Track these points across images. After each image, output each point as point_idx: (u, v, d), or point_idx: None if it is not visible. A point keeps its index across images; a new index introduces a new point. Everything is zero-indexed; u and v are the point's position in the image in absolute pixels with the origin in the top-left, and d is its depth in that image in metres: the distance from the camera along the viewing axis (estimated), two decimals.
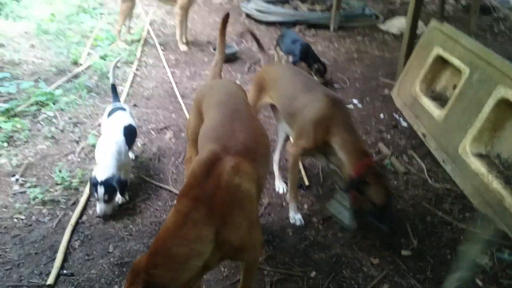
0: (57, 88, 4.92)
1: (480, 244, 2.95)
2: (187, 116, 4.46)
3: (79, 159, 3.80)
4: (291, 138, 3.48)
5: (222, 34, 3.06)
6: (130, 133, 3.47)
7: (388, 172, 3.78)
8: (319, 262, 2.81)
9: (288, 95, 3.10)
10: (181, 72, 5.73)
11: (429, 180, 3.69)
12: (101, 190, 3.00)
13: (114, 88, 3.86)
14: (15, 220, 3.10)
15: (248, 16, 8.17)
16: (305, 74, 3.32)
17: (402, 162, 3.93)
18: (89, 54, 6.03)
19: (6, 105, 4.43)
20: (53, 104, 4.60)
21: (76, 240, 2.92)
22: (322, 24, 7.68)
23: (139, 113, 4.62)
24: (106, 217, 3.12)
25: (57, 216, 3.13)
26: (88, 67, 5.57)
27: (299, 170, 3.16)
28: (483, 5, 8.96)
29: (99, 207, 3.07)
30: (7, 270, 2.68)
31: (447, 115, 4.01)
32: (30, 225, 3.06)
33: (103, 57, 5.85)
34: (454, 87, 4.23)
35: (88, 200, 3.27)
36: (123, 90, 5.04)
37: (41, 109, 4.52)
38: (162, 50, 6.36)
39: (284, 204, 3.37)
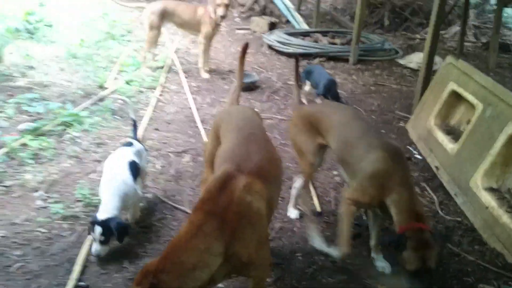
0: (83, 110, 5.13)
1: None
2: (206, 141, 4.61)
3: (100, 178, 3.95)
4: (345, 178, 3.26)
5: (241, 63, 3.22)
6: (134, 169, 3.33)
7: None
8: (327, 287, 2.87)
9: (344, 140, 2.95)
10: (202, 99, 5.92)
11: (440, 212, 3.74)
12: (98, 230, 2.87)
13: (135, 124, 3.82)
14: (37, 233, 3.24)
15: (269, 47, 8.40)
16: (362, 118, 3.15)
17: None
18: (115, 78, 6.27)
19: (34, 124, 4.64)
20: (79, 125, 4.79)
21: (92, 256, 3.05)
22: (341, 57, 7.85)
23: (159, 136, 4.80)
24: (100, 257, 2.98)
25: (77, 231, 3.26)
26: (113, 91, 5.80)
27: (349, 222, 2.84)
28: (502, 43, 9.05)
29: (94, 248, 2.93)
30: (27, 279, 2.81)
31: (460, 149, 4.08)
32: (51, 238, 3.19)
33: (128, 82, 6.09)
34: (468, 122, 4.31)
35: None
36: (146, 114, 5.23)
37: (66, 129, 4.72)
38: (185, 77, 6.58)
39: (295, 229, 3.45)
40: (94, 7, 9.13)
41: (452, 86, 4.58)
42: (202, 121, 5.17)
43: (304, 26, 9.89)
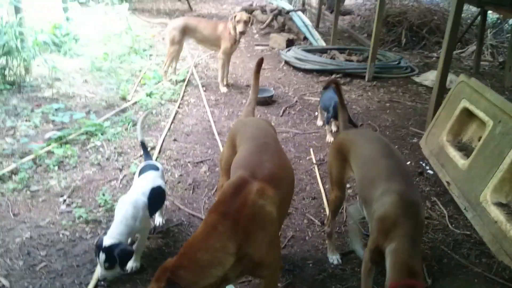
0: (105, 120, 5.35)
1: None
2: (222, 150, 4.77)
3: (121, 185, 4.13)
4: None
5: (256, 77, 3.39)
6: (158, 196, 3.28)
7: None
8: None
9: (367, 177, 2.74)
10: (220, 112, 6.10)
11: (450, 226, 3.82)
12: (102, 256, 2.82)
13: (143, 145, 3.76)
14: (61, 235, 3.42)
15: (287, 63, 8.58)
16: (393, 155, 2.79)
17: (425, 208, 4.08)
18: (136, 91, 6.50)
19: (59, 133, 4.87)
20: (101, 134, 5.00)
21: None
22: (357, 74, 7.98)
23: (178, 147, 4.97)
24: (108, 282, 2.96)
25: (98, 234, 3.43)
26: (135, 103, 6.02)
27: (366, 283, 2.61)
28: None
29: (100, 272, 2.90)
30: (51, 278, 2.98)
31: (471, 165, 4.16)
32: (74, 240, 3.37)
33: (149, 95, 6.31)
34: (479, 138, 4.38)
35: None
36: (166, 125, 5.43)
37: (90, 138, 4.93)
38: (204, 90, 6.78)
39: (307, 238, 3.57)
40: (118, 22, 9.43)
41: (464, 103, 4.67)
42: (220, 133, 5.33)
43: (322, 43, 10.06)
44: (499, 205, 3.68)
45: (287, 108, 6.38)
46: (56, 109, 5.55)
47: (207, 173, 4.47)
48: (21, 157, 4.40)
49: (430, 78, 7.73)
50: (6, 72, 6.25)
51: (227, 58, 6.84)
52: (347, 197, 4.23)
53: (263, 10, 12.47)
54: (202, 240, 2.02)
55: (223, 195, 2.17)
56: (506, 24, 10.91)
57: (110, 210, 3.69)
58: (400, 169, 2.66)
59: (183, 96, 6.50)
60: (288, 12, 11.91)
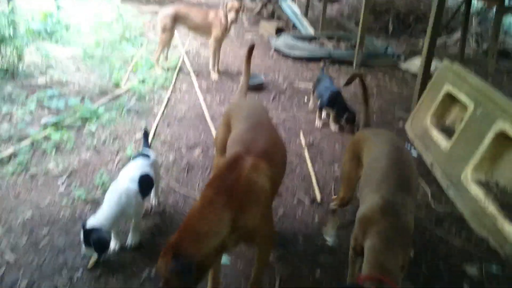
0: (100, 106, 5.46)
1: None
2: (215, 137, 4.91)
3: (117, 168, 4.27)
4: None
5: (247, 62, 3.55)
6: (146, 183, 3.30)
7: None
8: (325, 265, 3.17)
9: (366, 178, 2.75)
10: (212, 98, 6.23)
11: (432, 204, 4.02)
12: (81, 236, 2.91)
13: (146, 134, 3.82)
14: (61, 214, 3.55)
15: (276, 50, 8.72)
16: (400, 158, 2.72)
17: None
18: (129, 78, 6.61)
19: (55, 119, 4.98)
20: (96, 120, 5.12)
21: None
22: (345, 61, 8.15)
23: (171, 131, 5.11)
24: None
25: None
26: (128, 90, 6.13)
27: (352, 270, 2.72)
28: (503, 49, 9.33)
29: (83, 249, 2.98)
30: (54, 253, 3.12)
31: (453, 146, 4.36)
32: (74, 219, 3.50)
33: (141, 81, 6.42)
34: (461, 121, 4.59)
35: None
36: (159, 111, 5.56)
37: (85, 123, 5.05)
38: (196, 77, 6.90)
39: (297, 215, 3.75)
40: (108, 11, 9.49)
41: (448, 87, 4.87)
42: (212, 119, 5.48)
43: (310, 31, 10.20)
44: (479, 183, 3.88)
45: (278, 94, 6.53)
46: (50, 96, 5.64)
47: (201, 156, 4.62)
48: (19, 142, 4.51)
49: (416, 64, 7.91)
50: None
51: (218, 45, 6.96)
52: (335, 177, 4.42)
53: None
54: (200, 213, 2.18)
55: (219, 171, 2.33)
56: (490, 13, 11.11)
57: None
58: (398, 173, 2.57)
59: (175, 83, 6.62)
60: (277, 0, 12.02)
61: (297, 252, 3.30)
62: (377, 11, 10.99)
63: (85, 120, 5.11)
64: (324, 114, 5.66)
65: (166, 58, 7.40)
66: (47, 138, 4.63)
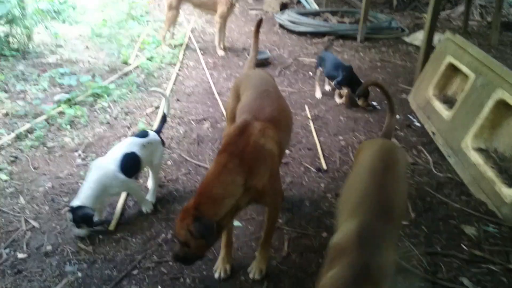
0: (110, 83, 5.62)
1: None
2: (223, 110, 5.07)
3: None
4: None
5: (255, 36, 3.69)
6: (130, 162, 3.27)
7: None
8: (330, 226, 3.35)
9: (348, 191, 2.40)
10: (218, 74, 6.37)
11: (434, 170, 4.18)
12: (69, 215, 3.05)
13: (164, 118, 3.77)
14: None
15: (281, 26, 8.80)
16: (391, 174, 2.33)
17: (412, 155, 4.43)
18: (137, 55, 6.75)
19: (67, 95, 5.15)
20: (107, 96, 5.29)
21: (130, 201, 3.56)
22: (349, 35, 8.24)
23: (181, 106, 5.27)
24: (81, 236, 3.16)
25: None
26: (137, 67, 6.28)
27: None
28: (507, 22, 9.36)
29: (73, 231, 3.15)
30: None
31: (454, 116, 4.49)
32: None
33: (149, 59, 6.56)
34: (463, 91, 4.71)
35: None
36: (167, 87, 5.71)
37: (97, 100, 5.22)
38: (202, 54, 7.03)
39: (304, 182, 3.93)
40: None
41: (450, 59, 4.97)
42: (219, 93, 5.62)
43: (315, 6, 10.25)
44: (479, 150, 4.04)
45: (283, 69, 6.66)
46: (62, 74, 5.81)
47: (210, 129, 4.79)
48: (34, 118, 4.69)
49: (419, 38, 7.99)
50: (10, 40, 6.46)
51: (223, 22, 7.07)
52: (339, 147, 4.58)
53: None
54: (215, 177, 2.34)
55: (230, 137, 2.50)
56: None
57: None
58: (380, 196, 2.15)
59: (182, 60, 6.75)
60: None
61: (304, 215, 3.49)
62: None
63: (97, 96, 5.27)
64: (328, 87, 5.78)
65: (173, 35, 7.51)
66: (61, 114, 4.80)
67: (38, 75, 5.74)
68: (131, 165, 3.28)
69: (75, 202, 3.04)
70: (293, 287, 2.82)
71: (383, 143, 2.65)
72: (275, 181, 2.59)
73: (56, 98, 5.15)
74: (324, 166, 4.17)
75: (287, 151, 4.36)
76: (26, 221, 3.30)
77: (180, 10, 7.38)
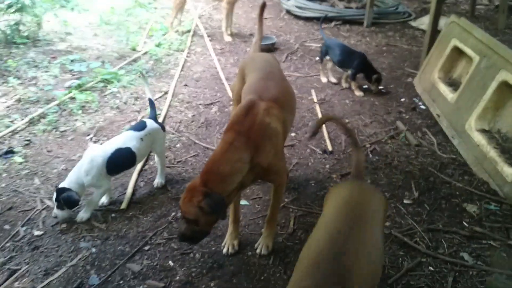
0: (119, 69, 5.73)
1: None
2: (230, 95, 5.16)
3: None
4: None
5: (260, 20, 3.77)
6: (121, 158, 3.24)
7: (402, 144, 4.37)
8: None
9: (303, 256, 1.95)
10: (226, 60, 6.45)
11: (437, 151, 4.25)
12: (54, 195, 3.10)
13: (151, 102, 3.72)
14: None
15: (288, 12, 8.84)
16: (357, 229, 1.94)
17: (416, 137, 4.50)
18: (145, 42, 6.84)
19: (78, 81, 5.27)
20: (117, 82, 5.39)
21: (141, 181, 3.68)
22: (356, 20, 8.26)
23: (189, 91, 5.37)
24: (61, 221, 3.20)
25: None
26: (145, 53, 6.38)
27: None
28: None
29: (53, 211, 3.17)
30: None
31: (458, 98, 4.55)
32: None
33: (157, 45, 6.65)
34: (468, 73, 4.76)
35: (150, 153, 3.98)
36: (176, 73, 5.80)
37: (107, 85, 5.33)
38: (209, 40, 7.10)
39: (309, 164, 4.02)
40: None
41: (455, 42, 5.01)
42: (227, 79, 5.71)
43: None
44: (482, 131, 4.10)
45: (289, 55, 6.72)
46: (72, 60, 5.92)
47: (217, 113, 4.88)
48: (46, 103, 4.81)
49: (426, 22, 7.94)
50: (21, 28, 6.58)
51: (231, 7, 7.12)
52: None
53: None
54: (222, 155, 2.44)
55: (236, 116, 2.59)
56: None
57: None
58: (341, 258, 1.77)
59: (190, 46, 6.84)
60: None
61: (310, 195, 3.59)
62: None
63: (106, 82, 5.38)
64: (334, 80, 5.76)
65: (180, 22, 7.59)
66: (72, 99, 4.92)
67: (49, 62, 5.85)
68: (121, 161, 3.26)
69: (63, 184, 3.11)
70: None
71: (352, 189, 2.25)
72: (279, 159, 2.69)
73: (67, 84, 5.27)
74: (330, 148, 4.25)
75: (293, 134, 4.46)
76: (41, 201, 3.43)
77: None
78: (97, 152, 3.18)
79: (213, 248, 3.02)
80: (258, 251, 2.97)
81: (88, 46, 6.61)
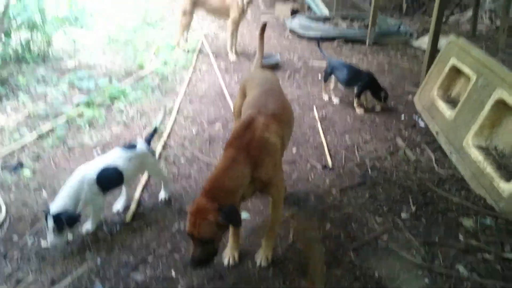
0: (126, 86, 5.88)
1: None
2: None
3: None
4: None
5: (261, 38, 3.92)
6: (109, 177, 3.21)
7: (401, 160, 4.47)
8: (334, 219, 3.53)
9: None
10: (230, 78, 6.60)
11: (436, 167, 4.34)
12: (50, 222, 2.92)
13: (155, 131, 3.79)
14: None
15: (291, 31, 9.02)
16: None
17: (415, 153, 4.60)
18: (152, 60, 7.01)
19: (86, 97, 5.42)
20: (124, 98, 5.54)
21: (145, 194, 3.78)
22: (358, 40, 8.42)
23: (194, 108, 5.51)
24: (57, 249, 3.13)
25: None
26: (152, 71, 6.54)
27: None
28: None
29: (49, 239, 3.00)
30: None
31: (457, 115, 4.65)
32: None
33: (164, 63, 6.81)
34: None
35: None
36: (181, 90, 5.95)
37: (114, 102, 5.47)
38: (214, 58, 7.27)
39: (309, 179, 4.12)
40: None
41: (453, 61, 5.14)
42: (231, 96, 5.84)
43: (325, 12, 10.44)
44: (479, 148, 4.19)
45: (293, 73, 6.87)
46: (80, 77, 6.08)
47: (221, 130, 5.00)
48: (55, 119, 4.95)
49: (427, 42, 8.13)
50: (31, 45, 6.76)
51: (235, 27, 7.30)
52: (345, 146, 4.75)
53: None
54: (225, 171, 2.52)
55: (236, 132, 2.70)
56: None
57: None
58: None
59: (195, 64, 7.00)
60: None
61: (309, 209, 3.68)
62: None
63: (113, 98, 5.53)
64: (336, 101, 5.86)
65: (186, 40, 7.77)
66: (80, 115, 5.06)
67: (58, 79, 6.02)
68: (108, 179, 3.23)
69: (55, 208, 2.97)
70: (297, 273, 3.01)
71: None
72: (277, 172, 2.79)
73: (75, 100, 5.41)
74: (330, 164, 4.35)
75: (294, 150, 4.57)
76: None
77: (194, 16, 7.64)
78: (85, 172, 3.14)
79: (214, 260, 3.10)
80: (258, 262, 3.06)
81: (96, 63, 6.79)
